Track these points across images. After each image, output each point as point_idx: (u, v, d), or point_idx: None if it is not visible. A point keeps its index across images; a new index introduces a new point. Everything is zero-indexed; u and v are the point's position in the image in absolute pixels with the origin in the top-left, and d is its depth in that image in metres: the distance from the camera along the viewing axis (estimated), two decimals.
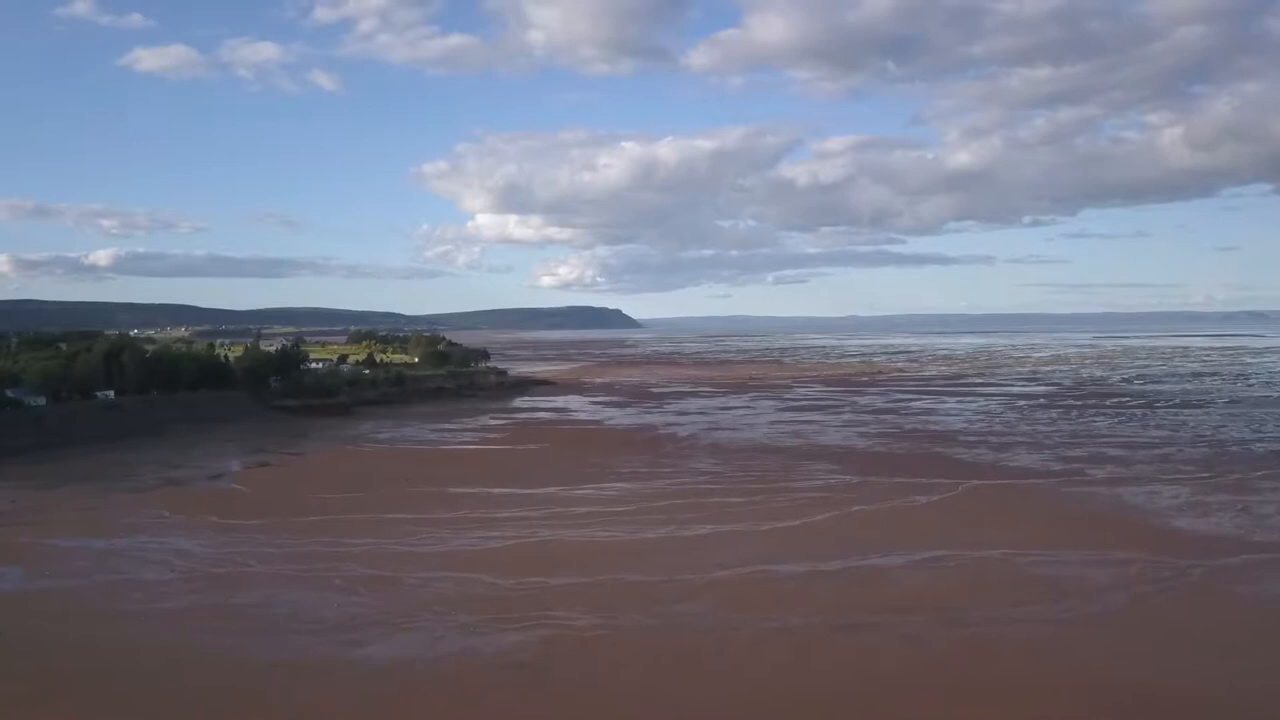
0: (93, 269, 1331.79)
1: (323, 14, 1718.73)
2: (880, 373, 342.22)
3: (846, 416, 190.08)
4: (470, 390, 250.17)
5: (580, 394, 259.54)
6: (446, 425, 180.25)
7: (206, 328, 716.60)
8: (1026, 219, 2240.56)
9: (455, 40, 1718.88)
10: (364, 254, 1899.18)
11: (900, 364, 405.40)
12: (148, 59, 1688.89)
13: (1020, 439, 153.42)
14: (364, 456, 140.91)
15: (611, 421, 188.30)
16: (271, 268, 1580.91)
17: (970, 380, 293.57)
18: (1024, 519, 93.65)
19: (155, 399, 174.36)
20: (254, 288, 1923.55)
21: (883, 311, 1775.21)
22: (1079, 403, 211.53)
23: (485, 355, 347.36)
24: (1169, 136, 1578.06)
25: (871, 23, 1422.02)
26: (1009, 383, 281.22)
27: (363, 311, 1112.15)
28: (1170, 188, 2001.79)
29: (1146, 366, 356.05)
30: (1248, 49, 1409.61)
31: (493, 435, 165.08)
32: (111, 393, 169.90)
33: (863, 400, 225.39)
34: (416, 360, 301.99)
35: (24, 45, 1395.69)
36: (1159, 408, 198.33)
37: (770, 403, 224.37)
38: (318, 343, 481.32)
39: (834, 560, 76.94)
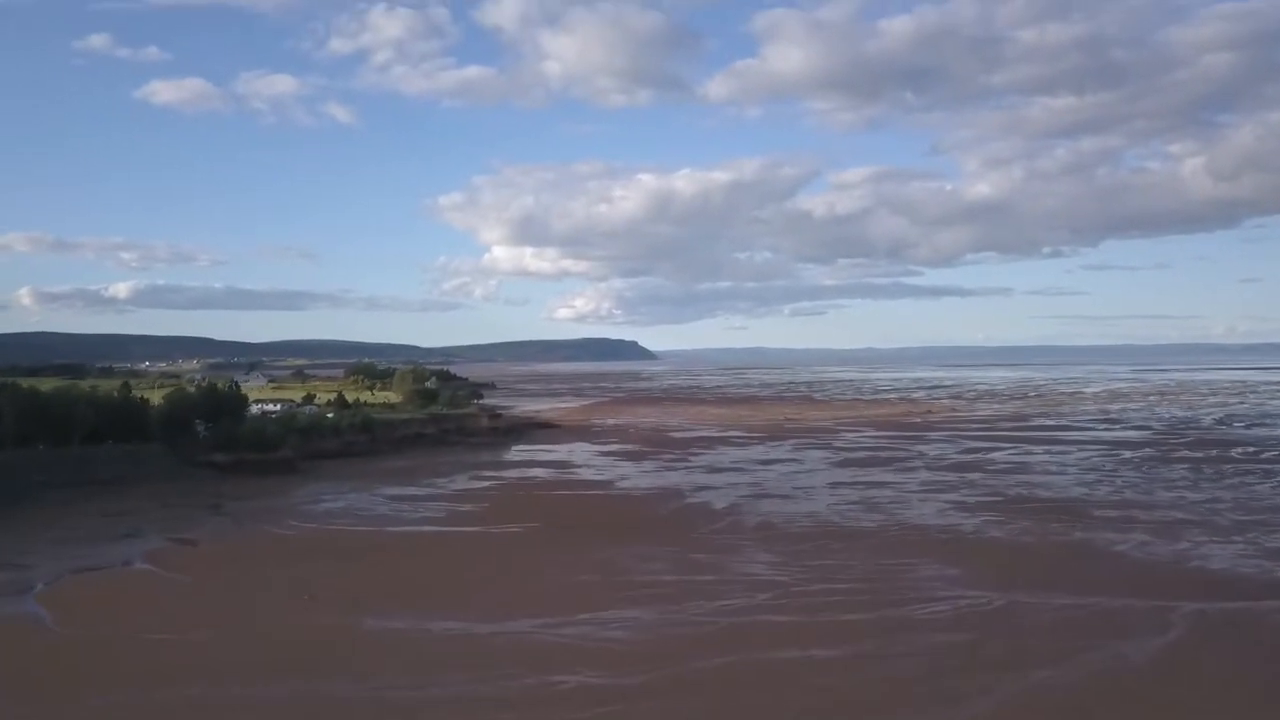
0: (113, 301, 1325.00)
1: (338, 45, 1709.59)
2: (930, 412, 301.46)
3: (923, 476, 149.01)
4: (456, 436, 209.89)
5: (588, 440, 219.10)
6: (412, 489, 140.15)
7: (219, 360, 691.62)
8: (1046, 250, 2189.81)
9: (471, 72, 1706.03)
10: (381, 286, 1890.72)
11: (945, 401, 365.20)
12: (164, 91, 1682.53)
13: (1177, 513, 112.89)
14: (276, 547, 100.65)
15: (625, 483, 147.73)
16: (290, 300, 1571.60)
17: (1039, 422, 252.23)
18: None
19: (37, 455, 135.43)
20: (272, 320, 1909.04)
21: (900, 344, 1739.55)
22: (1199, 454, 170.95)
23: (480, 393, 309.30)
24: (1190, 167, 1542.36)
25: (890, 53, 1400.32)
26: (1087, 426, 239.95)
27: (378, 344, 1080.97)
28: (1192, 218, 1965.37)
29: (1225, 405, 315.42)
30: (1274, 77, 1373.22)
31: (466, 507, 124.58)
32: None
33: (930, 451, 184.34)
34: (400, 399, 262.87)
35: (42, 78, 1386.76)
36: None
37: (819, 453, 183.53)
38: (314, 377, 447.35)
39: None
